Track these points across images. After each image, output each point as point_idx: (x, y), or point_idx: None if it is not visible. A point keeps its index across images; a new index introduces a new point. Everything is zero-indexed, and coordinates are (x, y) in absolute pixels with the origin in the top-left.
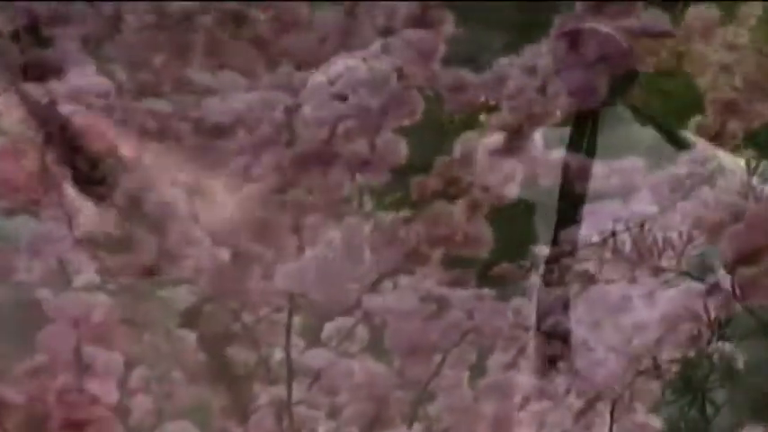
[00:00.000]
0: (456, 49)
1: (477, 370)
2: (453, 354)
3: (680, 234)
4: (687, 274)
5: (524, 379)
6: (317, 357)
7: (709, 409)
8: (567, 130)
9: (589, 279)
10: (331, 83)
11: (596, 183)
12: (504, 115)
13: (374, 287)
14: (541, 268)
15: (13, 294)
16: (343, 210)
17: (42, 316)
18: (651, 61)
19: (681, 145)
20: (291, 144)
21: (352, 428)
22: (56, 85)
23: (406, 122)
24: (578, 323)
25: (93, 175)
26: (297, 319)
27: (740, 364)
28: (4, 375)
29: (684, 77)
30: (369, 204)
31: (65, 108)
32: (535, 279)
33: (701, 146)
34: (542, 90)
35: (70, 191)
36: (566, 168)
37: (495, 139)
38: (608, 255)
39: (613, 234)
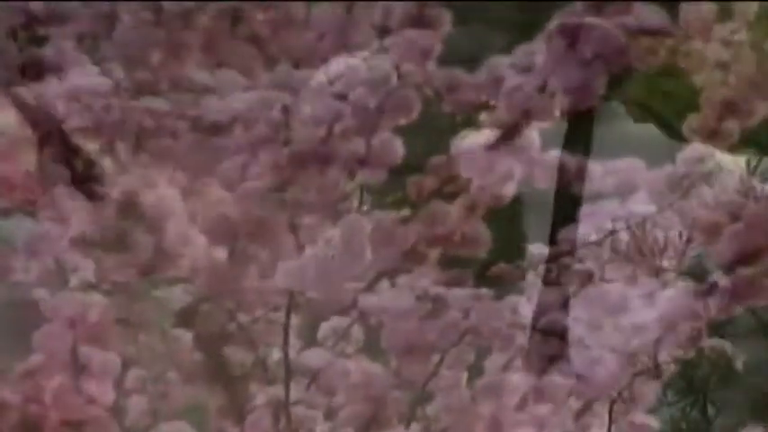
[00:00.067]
0: (455, 48)
1: (475, 370)
2: (451, 354)
3: (680, 234)
4: (687, 274)
5: (522, 379)
6: (314, 357)
7: (711, 410)
8: (564, 129)
9: (588, 278)
10: (331, 83)
11: (593, 182)
12: (499, 114)
13: (370, 287)
14: (540, 268)
15: (10, 294)
16: (340, 209)
17: (39, 316)
18: (650, 60)
19: (682, 138)
20: (289, 143)
21: (349, 429)
22: (54, 84)
23: (403, 122)
24: (577, 322)
25: (88, 174)
26: (294, 319)
27: (740, 364)
28: (0, 376)
29: (683, 76)
30: (367, 203)
31: (62, 107)
32: (533, 279)
33: (699, 144)
34: (542, 89)
35: (66, 190)
36: (562, 167)
37: (487, 135)
38: (607, 254)
39: (612, 233)
